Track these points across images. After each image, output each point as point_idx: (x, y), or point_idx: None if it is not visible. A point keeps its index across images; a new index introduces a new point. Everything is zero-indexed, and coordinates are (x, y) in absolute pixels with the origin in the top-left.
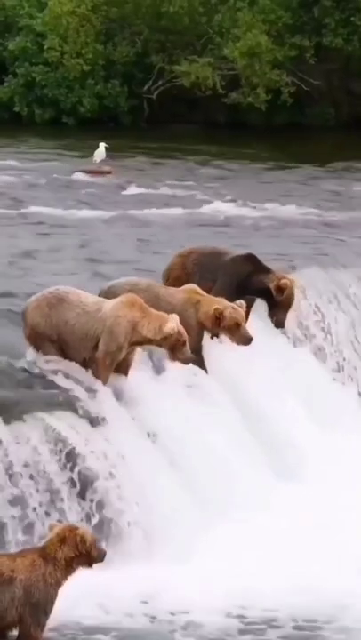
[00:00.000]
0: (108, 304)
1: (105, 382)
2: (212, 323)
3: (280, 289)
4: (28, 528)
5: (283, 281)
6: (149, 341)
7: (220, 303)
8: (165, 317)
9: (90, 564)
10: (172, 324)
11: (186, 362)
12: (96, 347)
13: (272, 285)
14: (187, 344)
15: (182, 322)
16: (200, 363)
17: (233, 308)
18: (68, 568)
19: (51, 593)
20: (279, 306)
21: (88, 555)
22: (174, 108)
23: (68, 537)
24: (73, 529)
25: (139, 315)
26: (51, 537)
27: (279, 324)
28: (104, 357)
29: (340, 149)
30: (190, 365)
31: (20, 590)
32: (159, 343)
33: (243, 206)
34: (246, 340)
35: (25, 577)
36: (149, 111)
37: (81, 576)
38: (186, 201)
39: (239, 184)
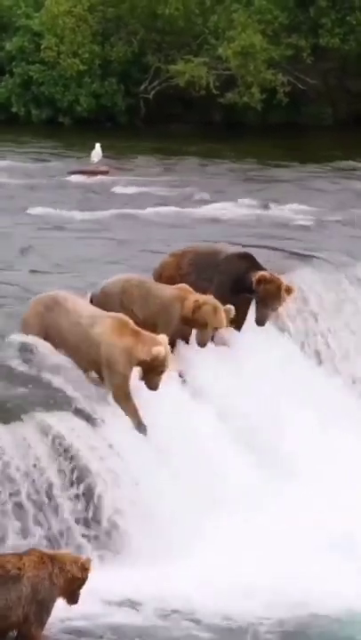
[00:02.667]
0: (100, 324)
1: (133, 412)
2: (191, 311)
3: (257, 283)
4: (27, 528)
5: (260, 274)
6: (141, 363)
7: (206, 299)
8: (156, 340)
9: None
10: (161, 348)
11: (152, 389)
12: (90, 362)
13: (254, 279)
14: (162, 376)
15: (167, 316)
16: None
17: (215, 309)
18: (71, 583)
19: (54, 593)
20: (259, 302)
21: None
22: (171, 107)
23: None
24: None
25: (131, 340)
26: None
27: (258, 321)
28: (117, 393)
29: (337, 148)
30: (191, 365)
31: (28, 588)
32: (145, 364)
33: (239, 205)
34: (202, 343)
35: (32, 574)
36: (146, 111)
37: None
38: (182, 200)
39: (236, 183)
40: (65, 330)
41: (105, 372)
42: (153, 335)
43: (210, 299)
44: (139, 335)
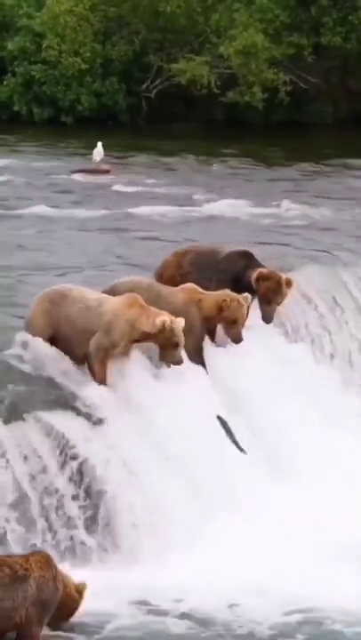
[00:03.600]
0: (109, 301)
1: (99, 377)
2: (216, 311)
3: (256, 281)
4: (29, 528)
5: (258, 271)
6: (147, 336)
7: (228, 295)
8: (163, 313)
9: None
10: (164, 317)
11: (173, 364)
12: None
13: (253, 278)
14: (179, 348)
15: (185, 321)
16: (201, 363)
17: (239, 302)
18: (69, 599)
19: (57, 595)
20: (261, 300)
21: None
22: (172, 106)
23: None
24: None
25: (137, 312)
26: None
27: (265, 318)
28: (95, 351)
29: (339, 147)
30: (190, 366)
31: (33, 588)
32: (154, 338)
33: (242, 204)
34: (238, 338)
35: (38, 574)
36: (148, 109)
37: (82, 574)
38: (184, 199)
39: (237, 182)
40: (75, 317)
41: (98, 333)
42: (160, 310)
43: (232, 294)
44: (145, 309)
